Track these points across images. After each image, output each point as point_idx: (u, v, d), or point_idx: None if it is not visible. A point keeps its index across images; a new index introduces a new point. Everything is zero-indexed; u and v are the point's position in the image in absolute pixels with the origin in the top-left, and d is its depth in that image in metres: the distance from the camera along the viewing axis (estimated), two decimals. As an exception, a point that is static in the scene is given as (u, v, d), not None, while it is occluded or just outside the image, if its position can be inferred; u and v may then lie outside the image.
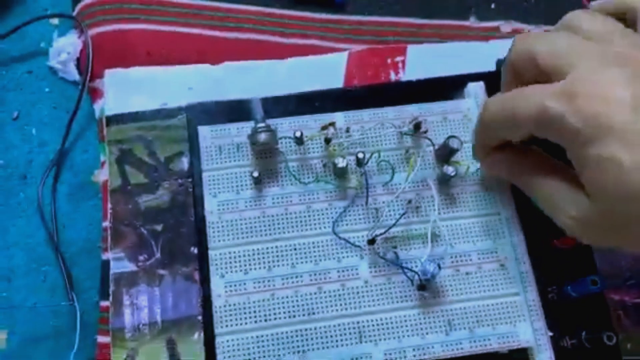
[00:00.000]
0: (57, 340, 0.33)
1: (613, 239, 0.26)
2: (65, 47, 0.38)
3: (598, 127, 0.23)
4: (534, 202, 0.29)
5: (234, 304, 0.31)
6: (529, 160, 0.29)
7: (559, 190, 0.27)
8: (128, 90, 0.36)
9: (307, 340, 0.31)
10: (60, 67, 0.38)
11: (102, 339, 0.33)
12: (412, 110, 0.35)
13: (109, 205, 0.34)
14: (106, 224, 0.34)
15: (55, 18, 0.40)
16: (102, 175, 0.36)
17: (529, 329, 0.31)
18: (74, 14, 0.39)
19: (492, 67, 0.37)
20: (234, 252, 0.32)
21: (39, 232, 0.35)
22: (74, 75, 0.38)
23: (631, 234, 0.25)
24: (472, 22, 0.40)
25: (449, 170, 0.33)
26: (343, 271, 0.32)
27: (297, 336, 0.31)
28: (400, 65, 0.38)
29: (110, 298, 0.32)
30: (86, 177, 0.36)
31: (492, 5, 0.41)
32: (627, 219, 0.24)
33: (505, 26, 0.40)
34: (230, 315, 0.31)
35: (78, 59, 0.38)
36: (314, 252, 0.32)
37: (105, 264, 0.33)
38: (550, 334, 0.32)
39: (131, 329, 0.32)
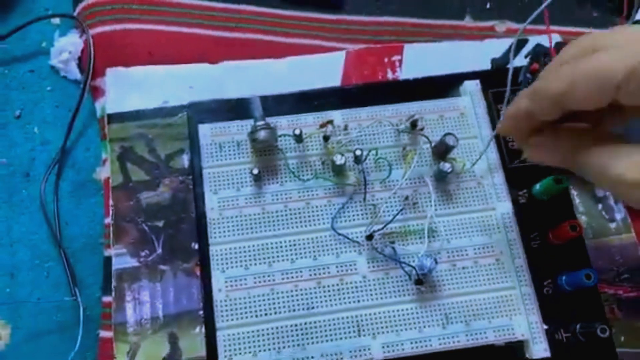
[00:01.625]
0: (61, 335, 0.34)
1: None
2: (67, 47, 0.39)
3: None
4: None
5: (235, 299, 0.32)
6: (573, 136, 0.26)
7: (617, 156, 0.24)
8: (129, 88, 0.37)
9: (306, 334, 0.31)
10: (62, 67, 0.39)
11: (104, 333, 0.33)
12: (408, 108, 0.36)
13: (111, 202, 0.34)
14: (108, 220, 0.35)
15: (57, 18, 0.40)
16: (104, 172, 0.36)
17: (524, 322, 0.32)
18: (75, 14, 0.39)
19: (487, 66, 0.38)
20: (235, 248, 0.33)
21: (41, 228, 0.36)
22: (76, 74, 0.39)
23: None
24: (467, 21, 0.41)
25: (446, 167, 0.33)
26: (342, 266, 0.33)
27: (296, 330, 0.31)
28: (397, 64, 0.38)
29: (113, 293, 0.33)
30: (88, 175, 0.37)
31: (488, 5, 0.41)
32: None
33: (500, 26, 0.41)
34: (231, 309, 0.32)
35: (79, 58, 0.39)
36: (313, 247, 0.33)
37: (108, 260, 0.34)
38: (545, 327, 0.32)
39: (133, 324, 0.32)
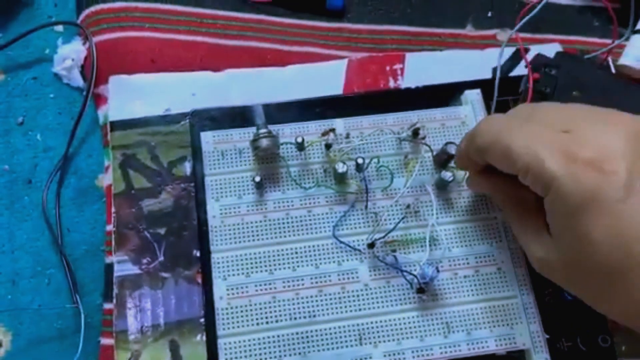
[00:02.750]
0: (61, 342, 0.34)
1: (573, 289, 0.27)
2: (70, 54, 0.39)
3: (589, 199, 0.23)
4: None
5: (236, 307, 0.32)
6: (505, 193, 0.30)
7: (527, 231, 0.28)
8: (132, 96, 0.37)
9: (308, 342, 0.31)
10: (64, 74, 0.39)
11: (105, 341, 0.33)
12: (410, 117, 0.36)
13: (113, 209, 0.34)
14: (110, 227, 0.35)
15: (60, 25, 0.40)
16: (106, 179, 0.36)
17: (526, 332, 0.32)
18: (79, 21, 0.39)
19: (488, 75, 0.38)
20: (236, 256, 0.33)
21: (43, 235, 0.36)
22: (79, 81, 0.39)
23: (588, 293, 0.26)
24: (469, 30, 0.41)
25: (447, 175, 0.33)
26: (343, 274, 0.33)
27: (298, 338, 0.31)
28: (398, 72, 0.39)
29: (114, 300, 0.33)
30: (90, 182, 0.37)
31: (489, 14, 0.41)
32: (586, 281, 0.26)
33: (502, 34, 0.41)
34: (232, 317, 0.32)
35: (82, 66, 0.39)
36: (315, 255, 0.33)
37: (109, 267, 0.34)
38: (547, 336, 0.32)
39: (134, 331, 0.32)
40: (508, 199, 0.30)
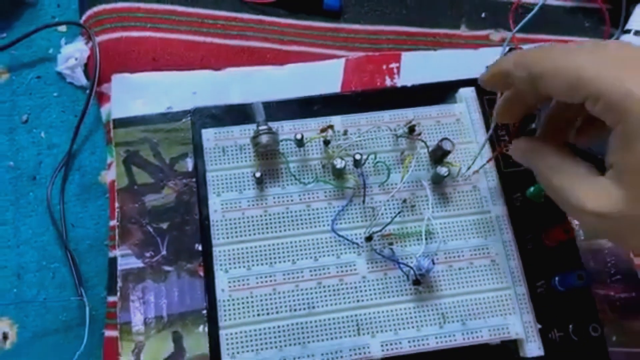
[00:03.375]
0: (66, 334, 0.35)
1: (635, 240, 0.24)
2: (73, 53, 0.40)
3: None
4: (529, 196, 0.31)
5: (237, 298, 0.33)
6: (548, 149, 0.28)
7: (579, 180, 0.25)
8: (134, 94, 0.38)
9: (307, 332, 0.32)
10: (68, 73, 0.40)
11: (109, 333, 0.34)
12: (406, 114, 0.37)
13: (117, 204, 0.35)
14: (113, 222, 0.35)
15: (63, 25, 0.41)
16: (109, 176, 0.37)
17: (519, 322, 0.33)
18: (82, 21, 0.40)
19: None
20: (237, 249, 0.34)
21: (48, 231, 0.36)
22: (82, 80, 0.40)
23: None
24: (463, 30, 0.42)
25: (442, 170, 0.34)
26: (341, 267, 0.33)
27: (298, 329, 0.32)
28: (395, 71, 0.39)
29: (118, 293, 0.33)
30: (93, 178, 0.38)
31: (483, 15, 0.43)
32: None
33: (495, 34, 0.42)
34: (234, 309, 0.32)
35: (85, 65, 0.40)
36: (314, 248, 0.34)
37: (113, 261, 0.35)
38: (539, 326, 0.33)
39: (138, 323, 0.33)
40: (551, 141, 0.28)
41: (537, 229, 0.35)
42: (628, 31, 0.41)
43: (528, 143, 0.30)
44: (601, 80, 0.23)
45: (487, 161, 0.35)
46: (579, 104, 0.24)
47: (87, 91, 0.38)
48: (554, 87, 0.25)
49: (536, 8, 0.34)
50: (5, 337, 0.35)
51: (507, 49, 0.39)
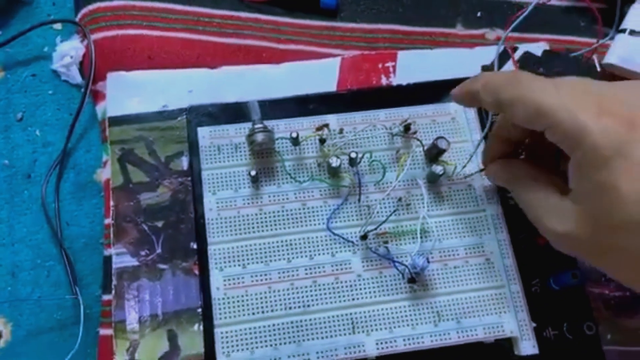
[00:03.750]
0: (61, 333, 0.35)
1: (599, 259, 0.26)
2: (69, 51, 0.39)
3: (619, 153, 0.23)
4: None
5: (233, 297, 0.33)
6: (520, 169, 0.30)
7: (545, 204, 0.28)
8: (130, 92, 0.37)
9: (302, 330, 0.32)
10: (63, 71, 0.39)
11: (104, 331, 0.34)
12: (402, 113, 0.37)
13: (112, 203, 0.35)
14: (108, 220, 0.35)
15: (58, 23, 0.41)
16: (104, 174, 0.37)
17: (513, 320, 0.33)
18: (77, 19, 0.40)
19: (477, 72, 0.39)
20: (232, 247, 0.34)
21: (42, 229, 0.36)
22: (77, 78, 0.40)
23: (611, 260, 0.26)
24: (459, 29, 0.42)
25: (437, 169, 0.34)
26: (337, 265, 0.34)
27: (293, 327, 0.32)
28: (390, 70, 0.40)
29: (113, 292, 0.33)
30: (88, 176, 0.38)
31: (478, 14, 0.43)
32: (610, 246, 0.25)
33: (491, 34, 0.42)
34: (229, 307, 0.32)
35: (81, 63, 0.40)
36: (309, 247, 0.34)
37: (108, 260, 0.35)
38: (534, 324, 0.33)
39: (133, 322, 0.33)
40: (522, 178, 0.30)
41: (532, 228, 0.35)
42: (623, 30, 0.41)
43: (502, 161, 0.32)
44: (559, 113, 0.25)
45: (480, 170, 0.35)
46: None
47: (82, 89, 0.38)
48: (517, 115, 0.27)
49: (529, 7, 0.34)
50: (-1, 335, 0.35)
51: (502, 48, 0.39)
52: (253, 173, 0.34)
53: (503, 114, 0.30)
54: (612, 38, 0.41)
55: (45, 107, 0.39)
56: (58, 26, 0.41)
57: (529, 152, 0.33)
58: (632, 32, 0.41)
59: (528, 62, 0.37)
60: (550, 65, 0.37)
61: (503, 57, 0.40)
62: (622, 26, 0.42)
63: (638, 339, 0.35)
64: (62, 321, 0.35)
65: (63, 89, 0.40)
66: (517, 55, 0.39)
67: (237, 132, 0.36)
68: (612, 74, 0.41)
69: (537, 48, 0.39)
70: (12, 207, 0.37)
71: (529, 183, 0.29)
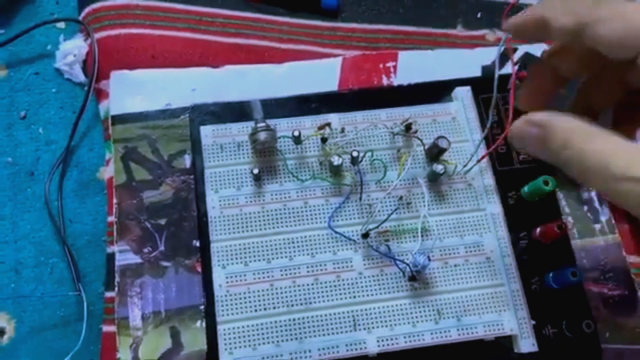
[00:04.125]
0: (64, 329, 0.35)
1: None
2: (72, 50, 0.40)
3: None
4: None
5: (235, 294, 0.33)
6: (572, 118, 0.24)
7: (622, 148, 0.22)
8: (133, 91, 0.38)
9: (304, 327, 0.32)
10: (66, 69, 0.40)
11: (107, 328, 0.34)
12: (403, 112, 0.37)
13: (115, 200, 0.35)
14: (111, 218, 0.36)
15: (62, 22, 0.41)
16: (107, 172, 0.37)
17: (513, 318, 0.33)
18: (81, 18, 0.40)
19: (477, 73, 0.40)
20: (235, 245, 0.34)
21: (46, 226, 0.37)
22: (80, 76, 0.40)
23: None
24: (459, 30, 0.43)
25: (438, 168, 0.35)
26: (338, 263, 0.34)
27: (294, 324, 0.33)
28: (391, 70, 0.40)
29: (116, 289, 0.34)
30: (91, 174, 0.38)
31: (479, 15, 0.43)
32: None
33: (491, 35, 0.43)
34: (231, 304, 0.33)
35: (84, 61, 0.40)
36: (311, 245, 0.34)
37: (110, 257, 0.35)
38: (533, 322, 0.34)
39: (136, 318, 0.33)
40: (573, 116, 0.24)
41: (531, 227, 0.36)
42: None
43: (549, 112, 0.25)
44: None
45: (480, 159, 0.35)
46: (620, 71, 0.23)
47: (86, 88, 0.39)
48: (607, 34, 0.23)
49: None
50: (2, 332, 0.35)
51: (503, 48, 0.39)
52: (255, 171, 0.34)
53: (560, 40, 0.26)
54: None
55: (49, 105, 0.39)
56: (61, 25, 0.41)
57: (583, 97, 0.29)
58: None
59: (528, 63, 0.38)
60: (550, 66, 0.38)
61: (503, 58, 0.40)
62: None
63: (636, 338, 0.35)
64: (65, 318, 0.35)
65: (66, 87, 0.40)
66: (517, 56, 0.40)
67: (239, 130, 0.36)
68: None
69: (536, 48, 0.40)
70: (16, 205, 0.37)
71: (594, 129, 0.23)
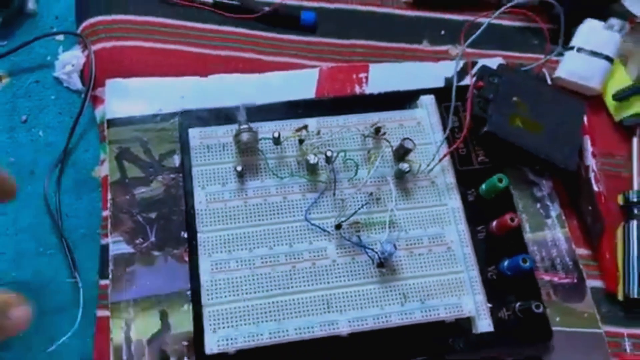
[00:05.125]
0: (61, 315, 0.37)
1: None
2: (70, 60, 0.43)
3: None
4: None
5: (219, 280, 0.36)
6: None
7: None
8: (127, 97, 0.41)
9: (282, 310, 0.35)
10: (65, 78, 0.43)
11: (101, 312, 0.37)
12: (373, 117, 0.41)
13: (109, 196, 0.38)
14: (106, 213, 0.39)
15: (61, 35, 0.45)
16: (102, 171, 0.40)
17: (471, 302, 0.37)
18: (79, 31, 0.44)
19: (441, 84, 0.44)
20: (220, 236, 0.37)
21: (44, 220, 0.40)
22: (77, 85, 0.43)
23: None
24: (424, 45, 0.47)
25: (404, 167, 0.38)
26: (314, 252, 0.37)
27: (273, 307, 0.35)
28: (363, 80, 0.44)
29: (110, 276, 0.36)
30: (87, 173, 0.41)
31: (442, 32, 0.47)
32: None
33: (453, 50, 0.47)
34: (216, 289, 0.36)
35: (81, 71, 0.43)
36: (289, 236, 0.37)
37: (105, 248, 0.38)
38: (490, 305, 0.37)
39: (128, 303, 0.36)
40: None
41: (488, 221, 0.39)
42: (571, 48, 0.46)
43: None
44: None
45: (441, 158, 0.39)
46: None
47: (83, 95, 0.42)
48: None
49: (483, 26, 0.39)
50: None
51: (462, 62, 0.44)
52: (239, 169, 0.37)
53: None
54: (560, 54, 0.46)
55: (48, 110, 0.43)
56: (60, 37, 0.45)
57: None
58: (579, 50, 0.46)
59: (484, 74, 0.42)
60: (504, 76, 0.42)
61: (465, 70, 0.44)
62: (571, 44, 0.47)
63: (584, 322, 0.39)
64: (61, 304, 0.38)
65: (64, 94, 0.43)
66: (475, 68, 0.44)
67: (224, 133, 0.39)
68: (562, 86, 0.46)
69: (493, 62, 0.44)
70: (17, 201, 0.40)
71: None
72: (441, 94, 0.42)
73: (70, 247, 0.39)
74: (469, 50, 0.44)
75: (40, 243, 0.39)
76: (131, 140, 0.40)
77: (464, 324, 0.37)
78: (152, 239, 0.38)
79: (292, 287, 0.36)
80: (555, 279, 0.40)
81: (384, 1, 0.48)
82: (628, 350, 0.40)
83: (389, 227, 0.37)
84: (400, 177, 0.39)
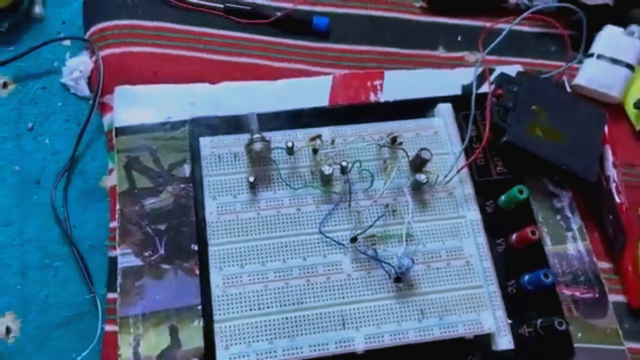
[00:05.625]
0: (68, 329, 0.37)
1: None
2: (78, 66, 0.42)
3: None
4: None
5: (231, 294, 0.35)
6: None
7: None
8: (136, 105, 0.40)
9: (296, 326, 0.34)
10: (72, 84, 0.42)
11: (109, 327, 0.36)
12: (388, 126, 0.40)
13: (118, 207, 0.37)
14: (114, 224, 0.38)
15: (68, 40, 0.44)
16: (110, 181, 0.39)
17: (491, 318, 0.36)
18: (86, 36, 0.43)
19: (457, 91, 0.43)
20: (231, 249, 0.36)
21: (51, 231, 0.39)
22: (85, 91, 0.42)
23: None
24: (440, 52, 0.46)
25: (421, 178, 0.37)
26: (328, 266, 0.36)
27: (287, 323, 0.34)
28: (378, 87, 0.43)
29: (118, 289, 0.35)
30: (95, 183, 0.40)
31: (459, 38, 0.46)
32: None
33: (470, 56, 0.46)
34: (228, 304, 0.35)
35: (89, 77, 0.42)
36: (303, 249, 0.36)
37: (113, 261, 0.37)
38: (510, 321, 0.36)
39: (137, 318, 0.35)
40: None
41: (508, 234, 0.38)
42: (591, 55, 0.45)
43: None
44: None
45: (459, 169, 0.38)
46: None
47: (90, 102, 0.41)
48: None
49: (504, 33, 0.38)
50: (8, 331, 0.36)
51: (480, 69, 0.43)
52: (251, 180, 0.36)
53: None
54: (580, 61, 0.45)
55: (55, 117, 0.42)
56: (67, 43, 0.44)
57: None
58: (599, 57, 0.45)
59: (503, 82, 0.41)
60: (523, 85, 0.41)
61: (483, 78, 0.43)
62: (590, 51, 0.46)
63: (606, 338, 0.38)
64: (69, 318, 0.37)
65: (71, 101, 0.42)
66: (494, 76, 0.43)
67: (235, 142, 0.38)
68: (581, 94, 0.45)
69: (512, 69, 0.43)
70: (22, 211, 0.39)
71: None
72: (458, 102, 0.41)
73: (84, 259, 0.38)
74: (487, 57, 0.43)
75: (47, 255, 0.38)
76: (140, 149, 0.39)
77: (483, 341, 0.36)
78: (162, 251, 0.37)
79: (306, 302, 0.35)
80: (577, 293, 0.39)
81: (398, 6, 0.47)
82: (651, 368, 0.38)
83: (406, 240, 0.36)
84: (417, 188, 0.38)
